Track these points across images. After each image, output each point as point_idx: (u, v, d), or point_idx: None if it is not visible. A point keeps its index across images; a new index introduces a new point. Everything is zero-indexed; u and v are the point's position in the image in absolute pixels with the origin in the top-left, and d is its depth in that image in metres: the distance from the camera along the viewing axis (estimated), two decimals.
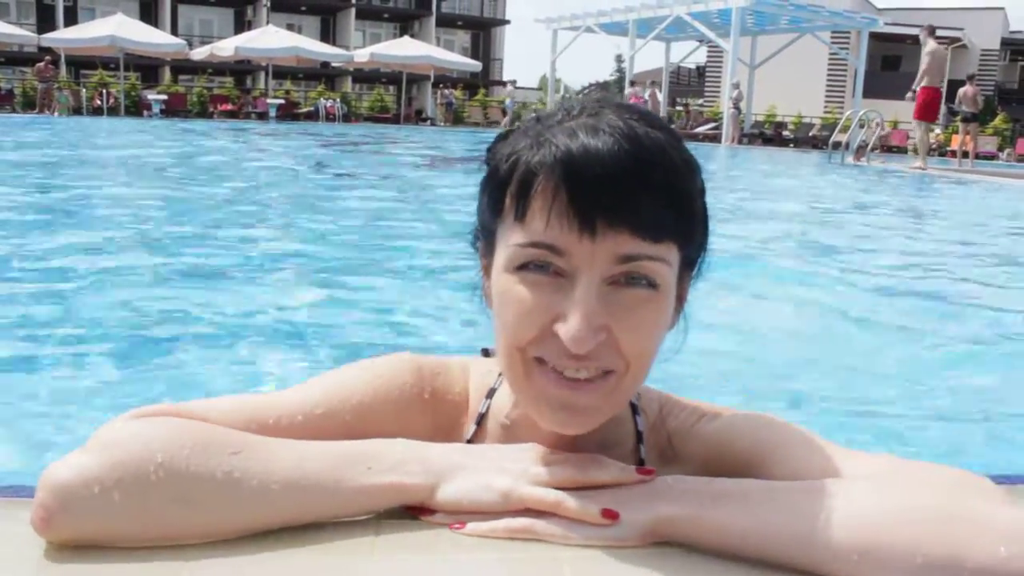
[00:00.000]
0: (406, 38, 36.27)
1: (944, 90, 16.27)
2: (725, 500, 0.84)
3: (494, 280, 0.89)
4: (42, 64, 26.36)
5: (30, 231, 5.78)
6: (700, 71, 43.86)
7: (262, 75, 35.19)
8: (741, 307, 4.40)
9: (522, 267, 0.84)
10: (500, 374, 1.03)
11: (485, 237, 0.93)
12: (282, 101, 30.83)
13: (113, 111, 27.17)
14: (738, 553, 0.83)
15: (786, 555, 0.81)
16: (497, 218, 0.88)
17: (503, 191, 0.87)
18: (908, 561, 0.76)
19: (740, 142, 25.19)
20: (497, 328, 0.89)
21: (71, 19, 34.67)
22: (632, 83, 27.52)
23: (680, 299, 0.94)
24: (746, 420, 1.00)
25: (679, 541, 0.85)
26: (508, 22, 48.53)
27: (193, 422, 0.86)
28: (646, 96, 24.52)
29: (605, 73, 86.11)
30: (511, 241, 0.85)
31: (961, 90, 18.00)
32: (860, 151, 17.64)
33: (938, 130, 27.73)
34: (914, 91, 14.68)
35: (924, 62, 14.38)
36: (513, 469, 0.89)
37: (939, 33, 31.72)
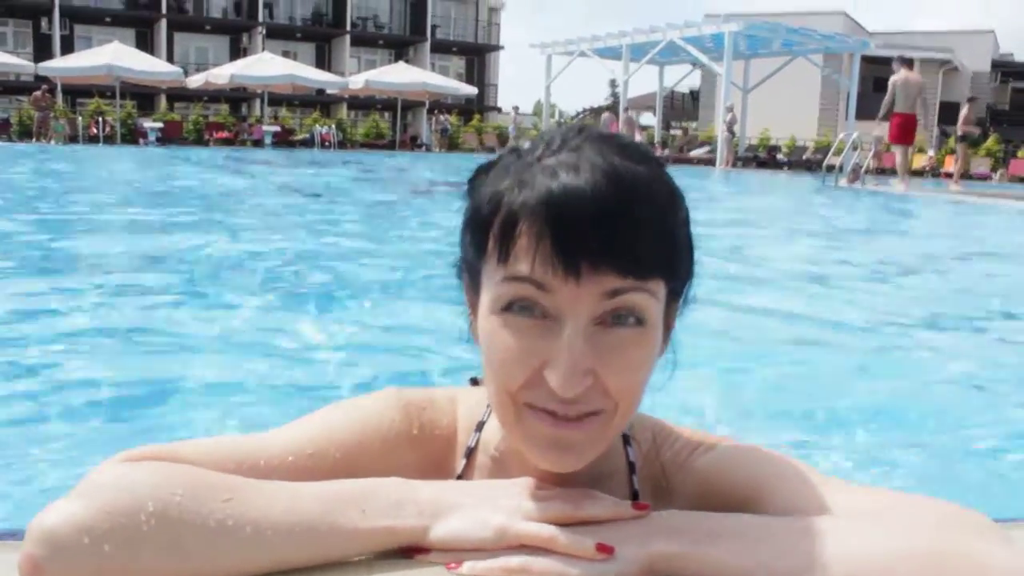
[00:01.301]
0: (401, 64, 36.43)
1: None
2: (721, 537, 0.83)
3: (481, 322, 0.88)
4: (39, 93, 26.45)
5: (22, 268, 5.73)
6: (694, 95, 44.12)
7: (257, 102, 35.36)
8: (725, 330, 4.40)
9: (507, 308, 0.84)
10: (488, 406, 1.02)
11: (470, 274, 0.93)
12: (278, 128, 30.96)
13: (109, 139, 27.24)
14: None
15: None
16: (481, 258, 0.88)
17: (486, 232, 0.86)
18: None
19: (734, 165, 25.31)
20: (485, 369, 0.88)
21: (68, 48, 34.85)
22: (608, 109, 27.74)
23: (668, 328, 0.93)
24: (741, 452, 0.99)
25: None
26: (502, 48, 48.86)
27: (183, 466, 0.85)
28: (621, 122, 24.75)
29: (600, 97, 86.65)
30: (496, 282, 0.85)
31: (963, 112, 18.18)
32: (854, 173, 17.72)
33: (931, 152, 27.94)
34: (883, 117, 15.44)
35: (888, 91, 15.13)
36: (506, 505, 0.88)
37: (930, 56, 32.12)
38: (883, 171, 16.86)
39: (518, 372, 0.84)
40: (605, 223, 0.80)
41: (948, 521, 0.82)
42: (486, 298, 0.87)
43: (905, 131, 15.47)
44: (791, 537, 0.81)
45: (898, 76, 15.14)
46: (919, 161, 27.72)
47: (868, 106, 17.82)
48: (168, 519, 0.79)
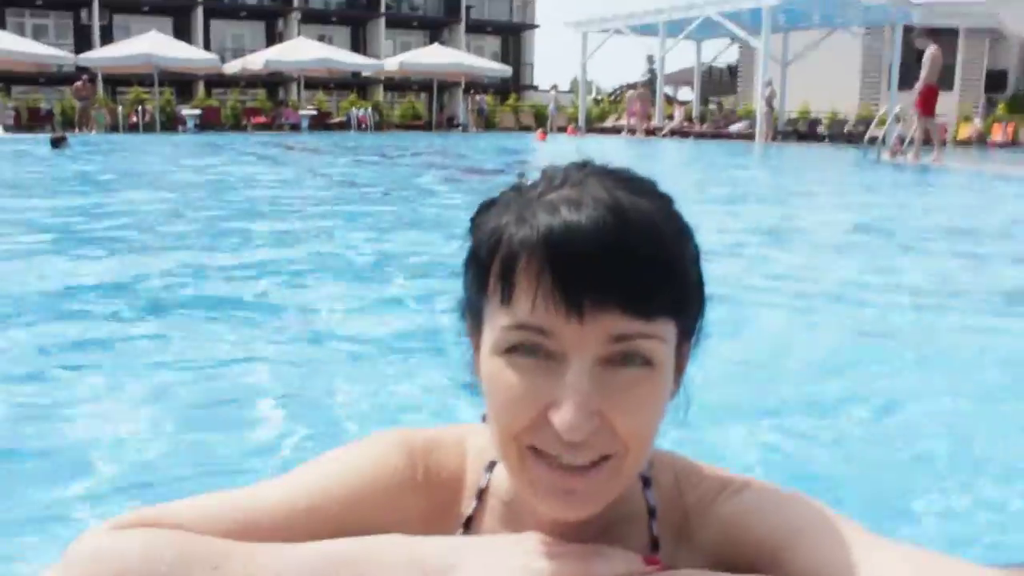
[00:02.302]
0: (436, 45, 36.36)
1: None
2: None
3: (483, 363, 0.85)
4: (80, 83, 26.89)
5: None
6: (732, 70, 43.48)
7: (294, 86, 35.52)
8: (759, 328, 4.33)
9: (510, 350, 0.81)
10: None
11: (472, 313, 0.89)
12: (314, 112, 31.11)
13: (149, 127, 27.57)
14: None
15: None
16: (483, 298, 0.84)
17: (486, 272, 0.83)
18: None
19: (774, 140, 24.96)
20: (488, 411, 0.85)
21: (107, 38, 35.24)
22: (632, 86, 27.56)
23: (679, 369, 0.89)
24: (769, 499, 0.93)
25: None
26: (537, 26, 48.54)
27: (171, 534, 0.82)
28: (635, 98, 24.59)
29: (637, 74, 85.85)
30: (498, 323, 0.81)
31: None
32: (896, 146, 17.37)
33: (978, 121, 27.31)
34: (918, 91, 16.21)
35: (925, 67, 15.88)
36: (512, 565, 0.83)
37: (977, 25, 31.29)
38: (928, 143, 16.48)
39: (522, 414, 0.80)
40: (608, 260, 0.76)
41: None
42: (488, 338, 0.83)
43: (930, 103, 16.15)
44: None
45: (933, 49, 15.84)
46: (965, 131, 27.15)
47: (911, 77, 17.46)
48: None
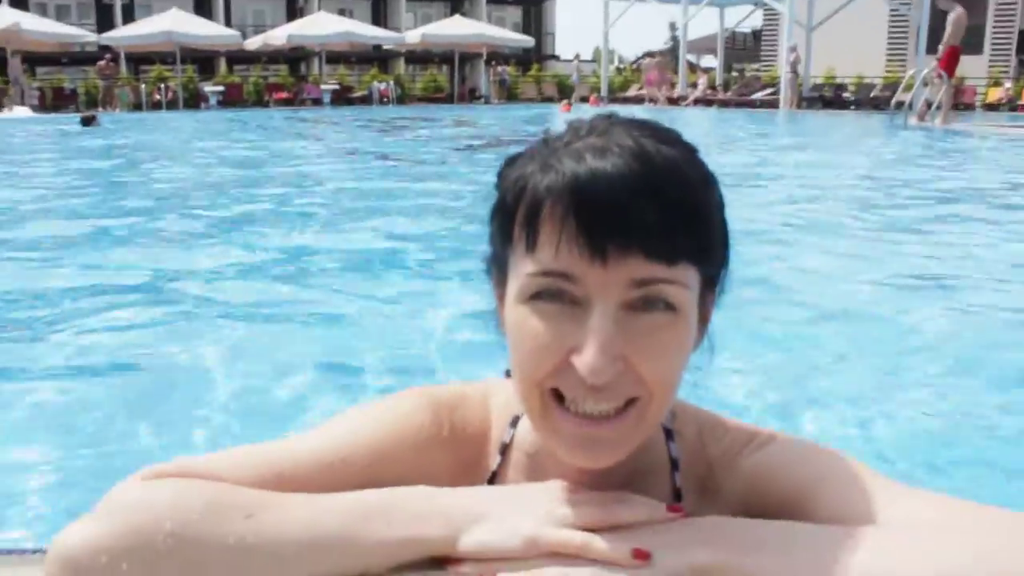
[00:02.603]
0: (457, 17, 36.14)
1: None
2: (764, 547, 0.79)
3: (508, 311, 0.86)
4: (103, 62, 26.96)
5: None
6: (756, 35, 42.88)
7: (316, 61, 35.46)
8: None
9: (535, 297, 0.81)
10: None
11: (497, 266, 0.90)
12: (336, 86, 31.06)
13: (172, 105, 27.66)
14: None
15: None
16: (508, 247, 0.85)
17: (512, 220, 0.84)
18: None
19: (799, 106, 24.63)
20: (512, 360, 0.86)
21: (129, 16, 35.26)
22: (650, 54, 27.28)
23: (704, 319, 0.89)
24: (793, 450, 0.94)
25: None
26: None
27: (203, 483, 0.84)
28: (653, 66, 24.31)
29: (659, 41, 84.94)
30: (522, 271, 0.82)
31: None
32: (923, 110, 17.08)
33: (1009, 84, 26.78)
34: (939, 55, 16.41)
35: (949, 28, 16.03)
36: (537, 512, 0.85)
37: None
38: (955, 107, 16.29)
39: (546, 360, 0.81)
40: (632, 204, 0.77)
41: (1016, 539, 0.76)
42: (513, 287, 0.84)
43: (953, 64, 16.36)
44: (838, 550, 0.76)
45: (959, 11, 15.94)
46: (995, 94, 26.65)
47: (939, 41, 17.19)
48: (187, 538, 0.78)
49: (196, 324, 3.71)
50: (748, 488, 0.94)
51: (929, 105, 17.30)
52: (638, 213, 0.77)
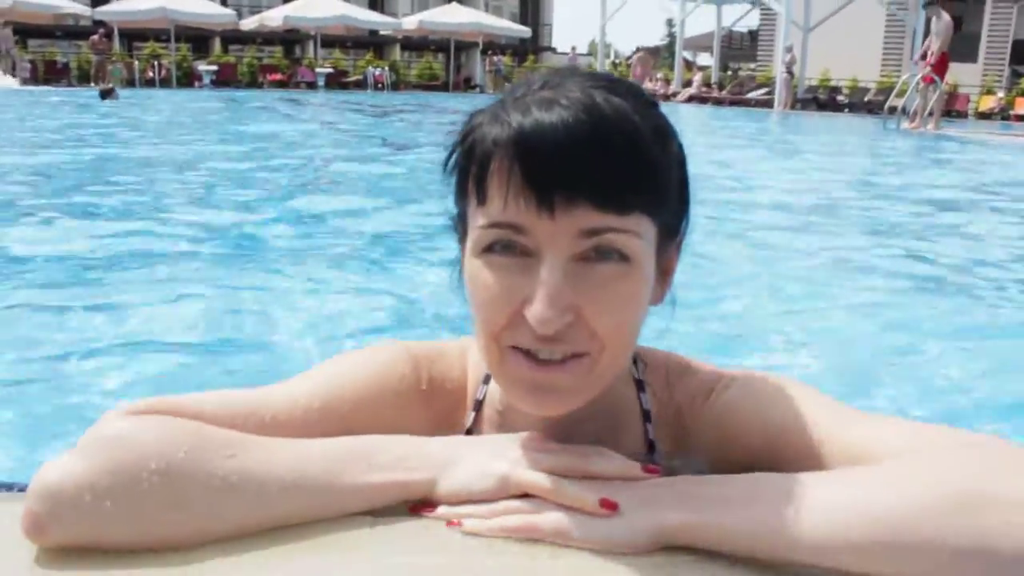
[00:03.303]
0: (455, 4, 35.98)
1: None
2: (733, 503, 0.80)
3: (465, 265, 0.87)
4: (96, 37, 26.74)
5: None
6: (752, 35, 42.93)
7: (311, 44, 35.28)
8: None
9: (487, 249, 0.82)
10: None
11: (460, 222, 0.91)
12: (331, 70, 30.92)
13: (165, 82, 27.48)
14: (750, 556, 0.78)
15: (801, 556, 0.76)
16: (465, 202, 0.86)
17: (466, 173, 0.85)
18: (936, 555, 0.70)
19: (793, 107, 24.67)
20: (472, 313, 0.87)
21: None
22: (637, 49, 27.39)
23: (665, 272, 0.90)
24: (760, 389, 0.95)
25: (687, 546, 0.80)
26: None
27: (188, 422, 0.84)
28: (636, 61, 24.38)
29: (656, 37, 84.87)
30: (476, 224, 0.83)
31: None
32: (915, 116, 17.12)
33: (1001, 94, 26.86)
34: (928, 63, 16.43)
35: (940, 36, 16.17)
36: (511, 456, 0.87)
37: None
38: (947, 113, 16.38)
39: (499, 311, 0.82)
40: (578, 154, 0.77)
41: (982, 458, 0.76)
42: (469, 241, 0.85)
43: (942, 70, 16.51)
44: (801, 497, 0.77)
45: (948, 18, 16.18)
46: (987, 103, 26.74)
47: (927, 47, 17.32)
48: (171, 476, 0.78)
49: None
50: (718, 432, 0.96)
51: (923, 111, 17.36)
52: (583, 163, 0.77)
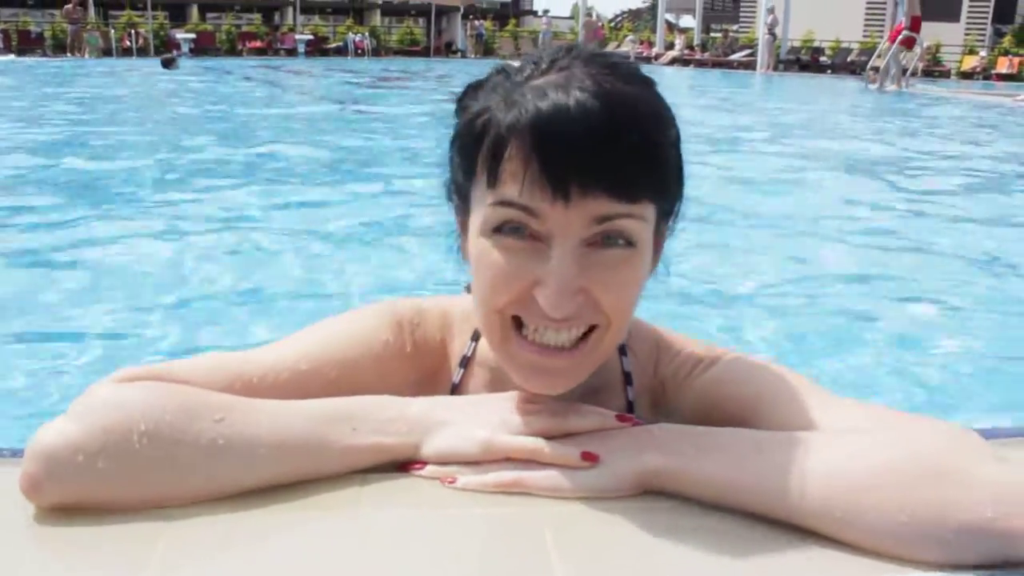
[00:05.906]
0: None
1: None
2: (711, 452, 0.84)
3: (471, 243, 0.88)
4: (70, 6, 26.32)
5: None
6: None
7: (290, 11, 34.89)
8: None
9: (497, 230, 0.84)
10: None
11: (459, 195, 0.92)
12: (311, 37, 30.61)
13: (143, 52, 27.13)
14: (721, 503, 0.83)
15: (769, 508, 0.80)
16: (471, 180, 0.87)
17: (474, 154, 0.85)
18: (891, 519, 0.75)
19: (776, 69, 24.64)
20: (474, 289, 0.89)
21: None
22: (588, 14, 27.42)
23: (657, 247, 0.92)
24: (740, 367, 0.99)
25: (664, 490, 0.85)
26: None
27: (176, 386, 0.86)
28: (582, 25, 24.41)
29: (638, 0, 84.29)
30: (485, 201, 0.84)
31: None
32: (899, 75, 17.15)
33: (983, 53, 26.88)
34: (905, 25, 16.83)
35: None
36: (492, 420, 0.89)
37: None
38: (928, 73, 16.38)
39: (508, 291, 0.84)
40: (595, 146, 0.79)
41: (940, 440, 0.82)
42: (476, 219, 0.86)
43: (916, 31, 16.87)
44: (781, 454, 0.81)
45: None
46: (969, 62, 26.76)
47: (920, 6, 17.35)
48: (160, 438, 0.81)
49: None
50: (697, 406, 0.99)
51: (904, 71, 17.38)
52: (601, 153, 0.79)
